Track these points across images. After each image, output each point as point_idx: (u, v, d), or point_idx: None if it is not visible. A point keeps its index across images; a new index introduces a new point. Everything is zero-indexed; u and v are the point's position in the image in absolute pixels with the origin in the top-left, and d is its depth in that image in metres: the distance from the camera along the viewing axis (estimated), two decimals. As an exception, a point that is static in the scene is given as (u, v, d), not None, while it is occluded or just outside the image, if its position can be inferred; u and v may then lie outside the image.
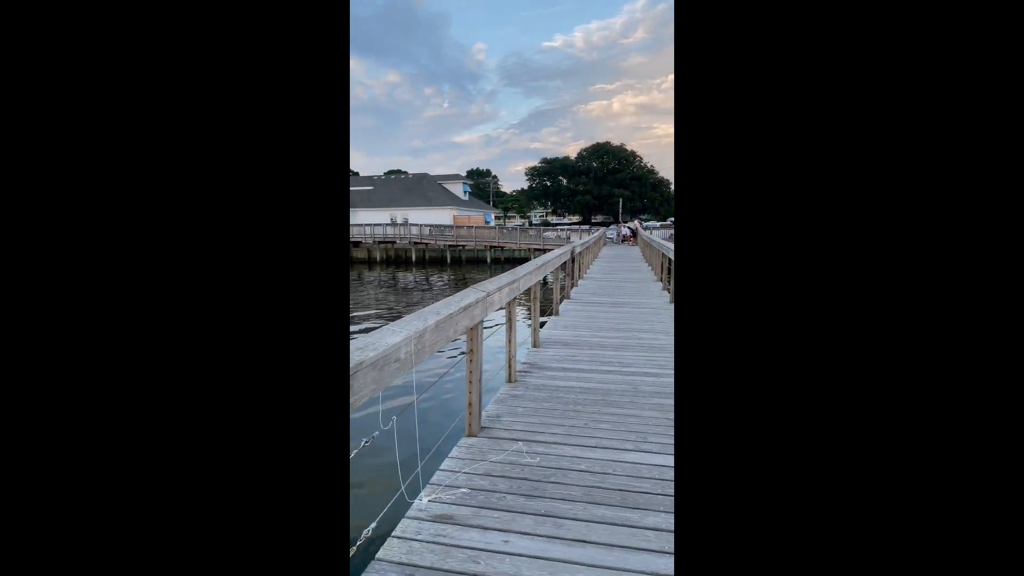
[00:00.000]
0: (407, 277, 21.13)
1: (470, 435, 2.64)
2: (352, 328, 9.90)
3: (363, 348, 1.46)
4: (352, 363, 1.34)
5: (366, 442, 1.55)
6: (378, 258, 27.15)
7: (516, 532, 1.82)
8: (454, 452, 2.46)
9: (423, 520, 1.88)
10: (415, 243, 26.83)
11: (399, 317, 1.95)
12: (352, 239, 28.04)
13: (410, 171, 45.48)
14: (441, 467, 2.31)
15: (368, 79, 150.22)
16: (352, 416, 1.56)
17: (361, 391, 1.40)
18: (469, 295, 2.42)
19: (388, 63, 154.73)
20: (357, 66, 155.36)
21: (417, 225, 27.63)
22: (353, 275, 22.36)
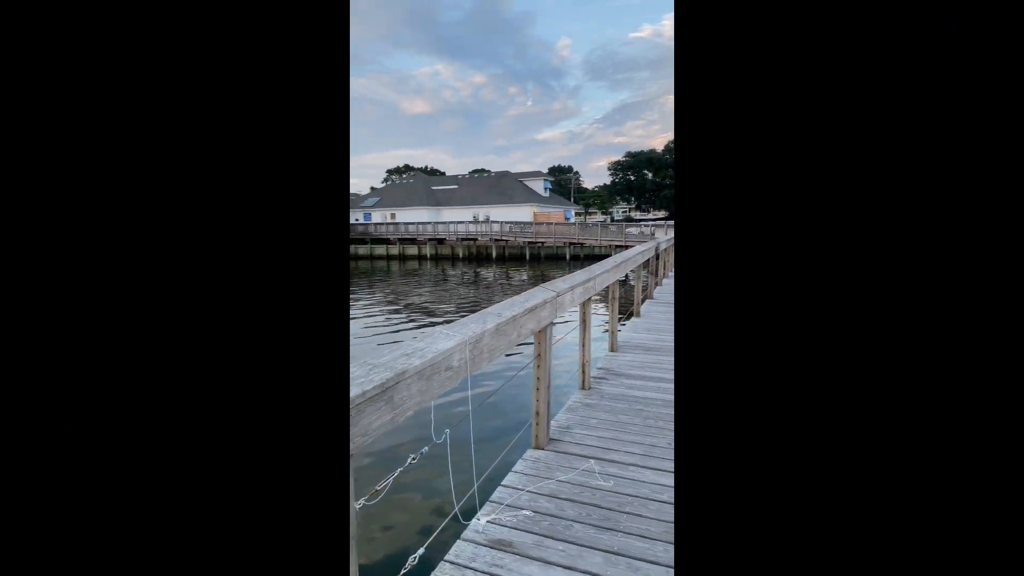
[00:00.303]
0: (488, 273, 21.48)
1: (537, 447, 2.42)
2: (433, 321, 10.12)
3: (409, 355, 1.30)
4: (394, 372, 1.18)
5: (413, 459, 1.38)
6: (461, 255, 27.93)
7: (583, 572, 1.57)
8: (518, 466, 2.26)
9: (479, 544, 1.70)
10: (495, 240, 27.22)
11: (478, 308, 1.77)
12: (438, 236, 29.22)
13: (493, 169, 46.20)
14: (504, 482, 2.12)
15: (457, 82, 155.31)
16: (398, 427, 1.41)
17: (405, 403, 1.23)
18: (536, 295, 2.19)
19: (475, 65, 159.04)
20: (446, 70, 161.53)
21: (498, 222, 28.05)
22: (438, 271, 23.24)
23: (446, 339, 1.46)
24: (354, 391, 1.06)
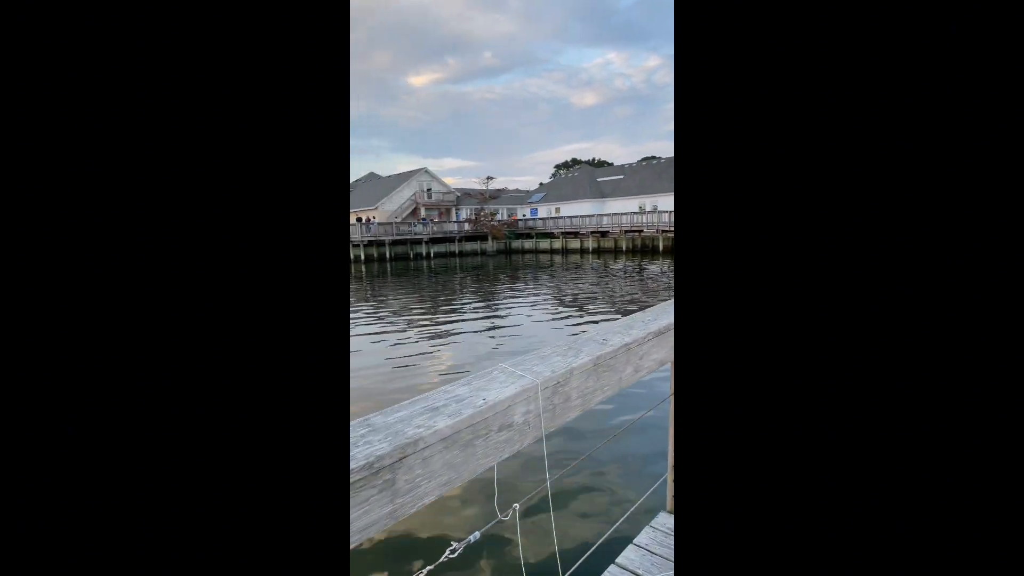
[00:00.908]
0: (654, 267, 20.14)
1: (671, 511, 1.81)
2: (573, 319, 9.69)
3: (435, 410, 0.90)
4: (394, 445, 0.79)
5: (452, 552, 0.97)
6: (624, 247, 26.81)
7: None
8: (642, 537, 1.70)
9: (565, 661, 1.23)
10: (663, 231, 25.39)
11: (634, 312, 1.31)
12: (601, 229, 28.60)
13: (663, 156, 43.14)
14: (618, 560, 1.59)
15: (628, 69, 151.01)
16: (435, 502, 1.03)
17: (418, 487, 0.83)
18: (670, 311, 1.59)
19: (648, 47, 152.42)
20: (617, 58, 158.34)
21: (667, 212, 26.11)
22: (599, 263, 22.73)
23: (504, 382, 1.02)
24: (317, 476, 0.70)
